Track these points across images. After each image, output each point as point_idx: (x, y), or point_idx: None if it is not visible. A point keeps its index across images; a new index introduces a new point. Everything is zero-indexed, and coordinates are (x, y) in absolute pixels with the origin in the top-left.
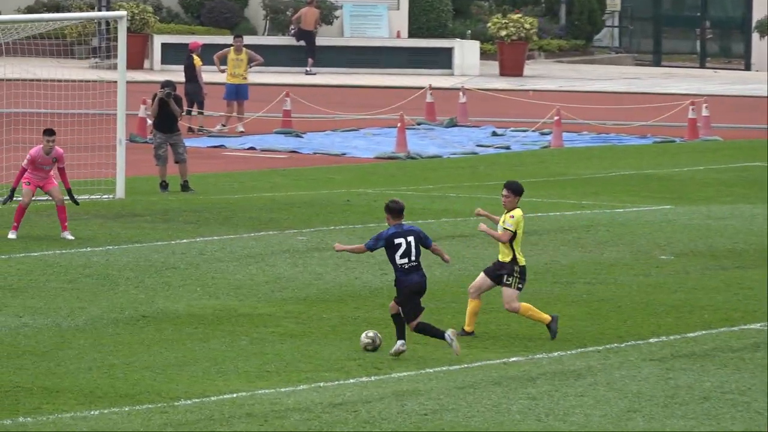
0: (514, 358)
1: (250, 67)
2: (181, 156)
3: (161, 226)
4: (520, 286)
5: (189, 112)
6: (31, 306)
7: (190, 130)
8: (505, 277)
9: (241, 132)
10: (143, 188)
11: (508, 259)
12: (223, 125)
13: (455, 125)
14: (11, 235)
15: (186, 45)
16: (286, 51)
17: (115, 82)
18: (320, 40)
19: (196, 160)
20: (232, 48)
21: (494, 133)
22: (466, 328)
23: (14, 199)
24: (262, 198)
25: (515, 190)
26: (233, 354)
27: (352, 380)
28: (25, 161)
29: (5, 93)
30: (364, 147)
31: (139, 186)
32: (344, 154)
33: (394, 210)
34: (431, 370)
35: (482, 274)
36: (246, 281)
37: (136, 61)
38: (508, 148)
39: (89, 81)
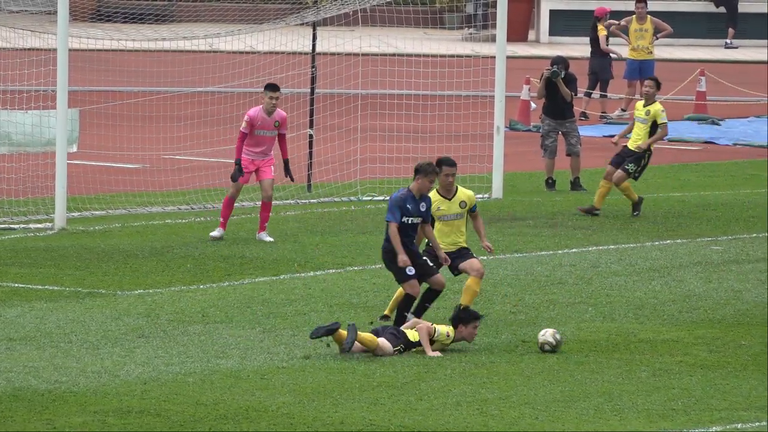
0: None
1: (656, 38)
2: (573, 147)
3: (546, 233)
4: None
5: (589, 94)
6: None
7: (583, 116)
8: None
9: None
10: (525, 186)
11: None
12: (623, 110)
13: None
14: (215, 234)
15: (583, 12)
16: (701, 19)
17: (494, 57)
18: (744, 6)
19: (590, 153)
20: (633, 16)
21: None
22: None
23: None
24: (670, 199)
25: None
26: (631, 388)
27: None
28: (244, 124)
29: (361, 71)
30: None
31: (520, 183)
32: None
33: None
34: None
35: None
36: (648, 299)
37: (518, 32)
38: None
39: (462, 56)
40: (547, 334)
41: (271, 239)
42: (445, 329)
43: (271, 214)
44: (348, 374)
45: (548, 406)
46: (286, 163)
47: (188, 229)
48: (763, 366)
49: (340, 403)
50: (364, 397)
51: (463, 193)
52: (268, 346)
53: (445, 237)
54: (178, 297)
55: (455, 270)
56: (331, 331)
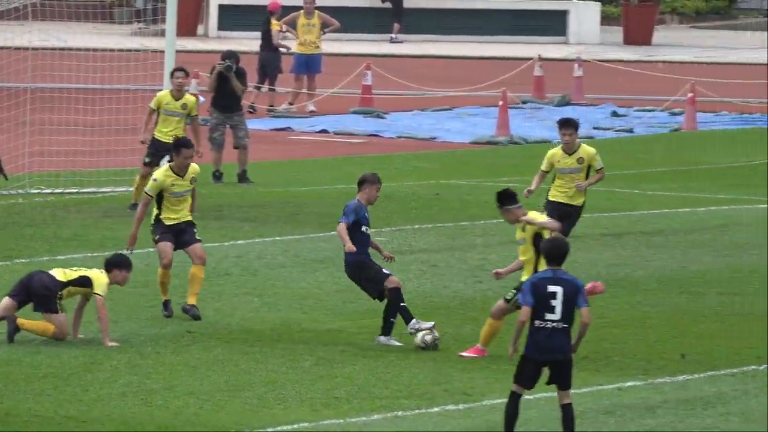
0: (630, 383)
1: (324, 33)
2: (241, 141)
3: (213, 225)
4: None
5: (258, 88)
6: None
7: (251, 109)
8: None
9: (312, 111)
10: None
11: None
12: (291, 103)
13: (568, 104)
14: None
15: (251, 7)
16: (367, 14)
17: (163, 51)
18: (408, 2)
19: (258, 146)
20: (302, 11)
21: (615, 114)
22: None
23: None
24: (335, 191)
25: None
26: (295, 377)
27: (435, 408)
28: None
29: (30, 65)
30: (459, 129)
31: None
32: (434, 138)
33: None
34: (530, 397)
35: None
36: (313, 290)
37: (187, 27)
38: (630, 131)
39: (131, 50)
40: (417, 338)
41: None
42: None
43: None
44: (14, 366)
45: (213, 395)
46: None
47: None
48: (424, 354)
49: (5, 395)
50: (30, 389)
51: None
52: None
53: None
54: None
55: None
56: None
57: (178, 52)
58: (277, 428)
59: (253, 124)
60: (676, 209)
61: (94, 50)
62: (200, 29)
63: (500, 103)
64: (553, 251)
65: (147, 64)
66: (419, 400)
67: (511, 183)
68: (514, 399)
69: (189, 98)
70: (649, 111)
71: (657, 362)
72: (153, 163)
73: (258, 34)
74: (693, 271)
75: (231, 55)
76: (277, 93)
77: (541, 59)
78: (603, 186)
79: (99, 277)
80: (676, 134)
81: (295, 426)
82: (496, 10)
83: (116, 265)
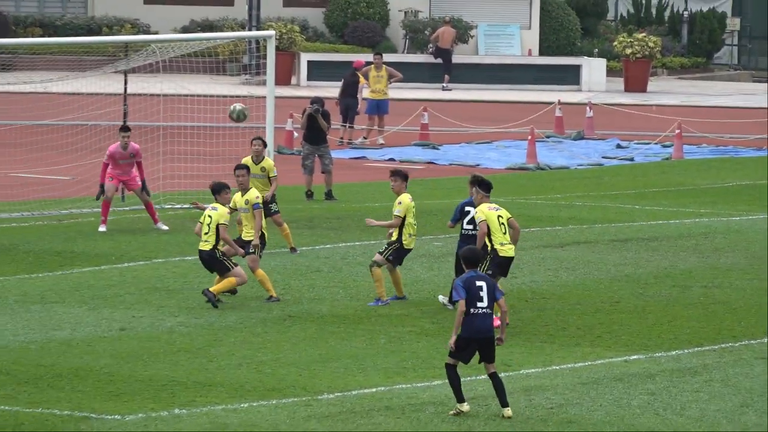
0: (634, 356)
1: (390, 83)
2: (327, 167)
3: (306, 232)
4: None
5: (344, 126)
6: (186, 306)
7: (340, 142)
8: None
9: (382, 144)
10: (290, 197)
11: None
12: (365, 138)
13: (582, 138)
14: (102, 228)
15: (332, 62)
16: (424, 68)
17: (264, 97)
18: (456, 58)
19: (340, 171)
20: (373, 65)
21: (619, 146)
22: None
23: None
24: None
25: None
26: (373, 351)
27: (483, 376)
28: (105, 157)
29: (162, 108)
30: (497, 158)
31: (286, 194)
32: (478, 164)
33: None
34: (557, 368)
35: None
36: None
37: (283, 78)
38: (631, 159)
39: (240, 96)
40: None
41: (167, 228)
42: None
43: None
44: (154, 342)
45: (309, 365)
46: (143, 182)
47: (30, 231)
48: None
49: (148, 364)
50: (167, 360)
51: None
52: (92, 321)
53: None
54: (21, 283)
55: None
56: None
57: (276, 97)
58: (360, 391)
59: (337, 153)
60: (668, 221)
61: (211, 96)
62: (293, 79)
63: (529, 137)
64: (471, 257)
65: (253, 107)
66: (469, 369)
67: (537, 200)
68: (453, 369)
69: (267, 162)
70: (646, 144)
71: (655, 340)
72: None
73: (338, 83)
74: (681, 269)
75: (317, 100)
76: (354, 130)
77: (560, 103)
78: (610, 202)
79: (222, 215)
80: (668, 162)
81: (374, 389)
82: (524, 65)
83: (217, 191)
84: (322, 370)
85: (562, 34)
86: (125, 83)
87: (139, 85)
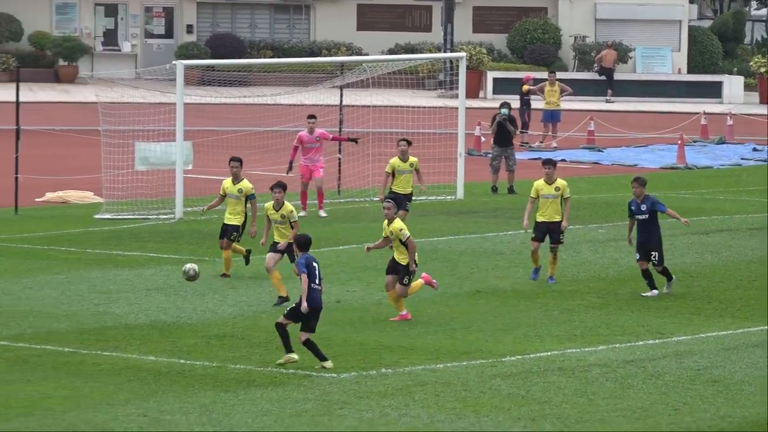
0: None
1: (562, 96)
2: (511, 167)
3: (492, 221)
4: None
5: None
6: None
7: (522, 144)
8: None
9: (555, 147)
10: (478, 191)
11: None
12: (541, 142)
13: (724, 142)
14: (301, 213)
15: (514, 79)
16: (590, 84)
17: (457, 108)
18: (617, 75)
19: (521, 170)
20: (547, 81)
21: (755, 149)
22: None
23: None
24: (572, 199)
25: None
26: (547, 321)
27: (640, 342)
28: (296, 140)
29: (371, 117)
30: (652, 159)
31: (474, 189)
32: (636, 165)
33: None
34: (703, 335)
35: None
36: (558, 264)
37: (472, 92)
38: (765, 160)
39: (436, 107)
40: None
41: (326, 215)
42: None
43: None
44: (365, 312)
45: (494, 333)
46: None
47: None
48: (632, 306)
49: (360, 331)
50: (376, 327)
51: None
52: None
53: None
54: (258, 262)
55: None
56: None
57: (467, 108)
58: (537, 354)
59: (518, 155)
60: None
61: (413, 107)
62: (481, 93)
63: (679, 142)
64: (303, 242)
65: (446, 117)
66: (629, 336)
67: (686, 194)
68: (283, 327)
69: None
70: None
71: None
72: None
73: (517, 96)
74: None
75: (505, 104)
76: (533, 135)
77: (705, 113)
78: (748, 196)
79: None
80: None
81: (548, 353)
82: (675, 81)
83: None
84: (504, 337)
85: (707, 56)
86: (341, 96)
87: (353, 97)
